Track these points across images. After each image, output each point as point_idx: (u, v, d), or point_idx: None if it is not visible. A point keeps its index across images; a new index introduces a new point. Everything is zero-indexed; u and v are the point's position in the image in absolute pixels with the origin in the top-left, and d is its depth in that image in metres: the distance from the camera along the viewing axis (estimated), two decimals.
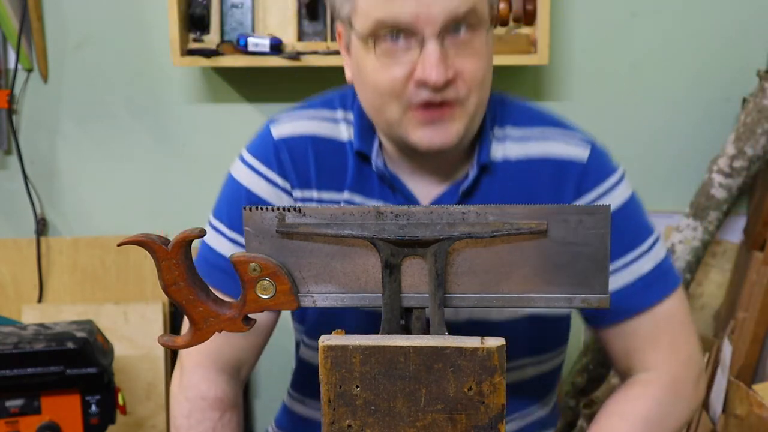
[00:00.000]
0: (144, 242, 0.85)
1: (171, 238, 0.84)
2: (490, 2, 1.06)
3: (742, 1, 2.08)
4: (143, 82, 2.17)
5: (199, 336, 0.88)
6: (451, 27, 1.01)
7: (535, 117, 1.19)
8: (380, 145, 1.15)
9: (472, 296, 0.85)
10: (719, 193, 1.98)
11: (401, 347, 0.79)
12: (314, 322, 1.26)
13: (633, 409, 1.13)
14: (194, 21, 2.02)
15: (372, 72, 1.04)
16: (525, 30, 2.02)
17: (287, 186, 1.17)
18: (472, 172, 1.13)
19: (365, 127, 1.15)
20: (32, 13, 2.08)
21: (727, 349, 1.92)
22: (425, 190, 1.16)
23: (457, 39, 1.02)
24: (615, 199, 1.17)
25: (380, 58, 1.02)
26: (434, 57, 0.99)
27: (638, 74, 2.13)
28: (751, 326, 1.88)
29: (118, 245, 0.86)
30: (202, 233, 0.86)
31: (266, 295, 0.85)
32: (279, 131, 1.17)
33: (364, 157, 1.15)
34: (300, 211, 0.84)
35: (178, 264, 0.85)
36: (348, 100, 1.19)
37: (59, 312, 2.16)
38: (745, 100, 2.04)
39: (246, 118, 2.17)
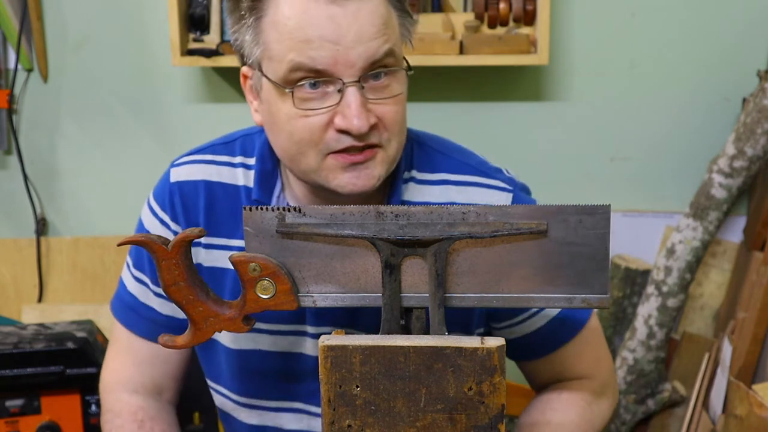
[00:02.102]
0: (144, 242, 0.85)
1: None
2: (403, 40, 1.04)
3: (742, 1, 2.08)
4: (143, 81, 2.17)
5: (199, 336, 0.88)
6: (370, 71, 0.98)
7: (454, 162, 1.15)
8: (282, 188, 1.13)
9: (472, 296, 0.85)
10: (719, 193, 1.97)
11: (401, 347, 0.79)
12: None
13: (565, 416, 1.15)
14: (194, 21, 2.02)
15: (287, 120, 0.99)
16: (525, 30, 2.02)
17: (178, 230, 1.15)
18: None
19: (266, 175, 1.13)
20: (32, 13, 2.08)
21: (727, 349, 1.92)
22: None
23: (376, 83, 0.99)
24: None
25: (297, 105, 0.98)
26: (355, 104, 0.96)
27: (638, 74, 2.13)
28: (751, 326, 1.88)
29: (118, 245, 0.86)
30: (202, 233, 0.86)
31: (266, 295, 0.85)
32: (176, 175, 1.16)
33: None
34: (300, 211, 0.84)
35: (178, 264, 0.85)
36: (250, 145, 1.17)
37: (59, 312, 2.16)
38: (745, 100, 2.04)
39: (246, 118, 2.16)
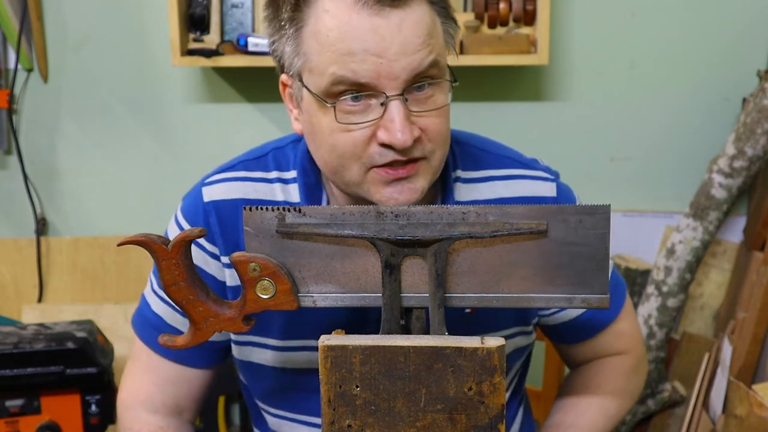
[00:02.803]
0: (144, 242, 0.85)
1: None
2: (447, 47, 1.01)
3: (742, 1, 2.08)
4: (143, 81, 2.17)
5: (199, 336, 0.88)
6: (414, 83, 0.95)
7: (495, 157, 1.16)
8: (328, 201, 1.12)
9: (472, 296, 0.85)
10: (719, 193, 1.98)
11: (401, 347, 0.79)
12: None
13: (606, 385, 1.23)
14: (194, 21, 2.02)
15: (329, 133, 0.97)
16: (525, 30, 2.02)
17: (215, 251, 1.11)
18: None
19: (311, 188, 1.10)
20: (32, 13, 2.08)
21: (727, 349, 1.92)
22: None
23: (419, 94, 0.96)
24: None
25: (339, 119, 0.96)
26: (399, 118, 0.94)
27: (638, 74, 2.13)
28: (751, 326, 1.88)
29: (118, 245, 0.86)
30: (202, 233, 0.86)
31: (266, 295, 0.85)
32: (210, 194, 1.12)
33: None
34: (300, 211, 0.84)
35: (178, 264, 0.85)
36: (284, 159, 1.14)
37: (59, 312, 2.16)
38: (745, 100, 2.04)
39: (246, 118, 2.17)
